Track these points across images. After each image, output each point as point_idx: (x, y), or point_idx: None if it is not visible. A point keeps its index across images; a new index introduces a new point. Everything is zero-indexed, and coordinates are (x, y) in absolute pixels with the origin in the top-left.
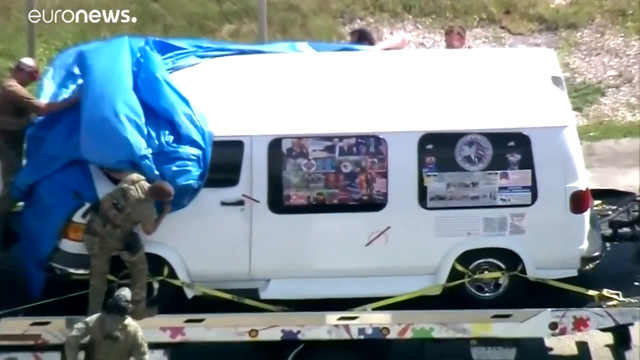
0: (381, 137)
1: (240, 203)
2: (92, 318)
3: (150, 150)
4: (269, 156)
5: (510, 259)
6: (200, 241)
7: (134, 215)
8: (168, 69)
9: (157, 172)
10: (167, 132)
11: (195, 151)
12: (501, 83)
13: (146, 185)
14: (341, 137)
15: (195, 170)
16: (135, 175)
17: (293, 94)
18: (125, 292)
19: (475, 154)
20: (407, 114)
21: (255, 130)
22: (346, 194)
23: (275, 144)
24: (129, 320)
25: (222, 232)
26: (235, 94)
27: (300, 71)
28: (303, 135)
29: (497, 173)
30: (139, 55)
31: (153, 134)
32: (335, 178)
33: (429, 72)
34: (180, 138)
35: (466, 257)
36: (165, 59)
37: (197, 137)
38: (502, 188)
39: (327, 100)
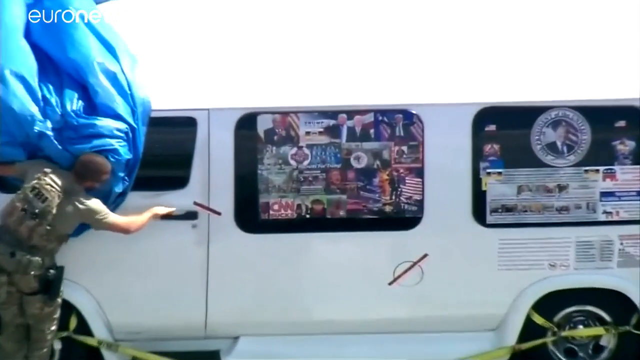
0: (414, 112)
1: (191, 216)
2: None
3: (49, 124)
4: (238, 142)
5: (620, 306)
6: (128, 278)
7: (61, 224)
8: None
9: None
10: (75, 96)
11: (122, 126)
12: (603, 31)
13: (65, 172)
14: (352, 113)
15: (123, 151)
16: (44, 164)
17: (277, 45)
18: None
19: (563, 139)
20: (456, 77)
21: (216, 100)
22: (359, 203)
23: (246, 123)
24: None
25: (162, 263)
26: (186, 43)
27: (291, 9)
28: (292, 109)
29: (597, 170)
30: None
31: (53, 99)
32: (341, 177)
33: (491, 13)
34: (97, 108)
35: (549, 304)
36: None
37: (122, 108)
38: (606, 194)
39: (330, 56)
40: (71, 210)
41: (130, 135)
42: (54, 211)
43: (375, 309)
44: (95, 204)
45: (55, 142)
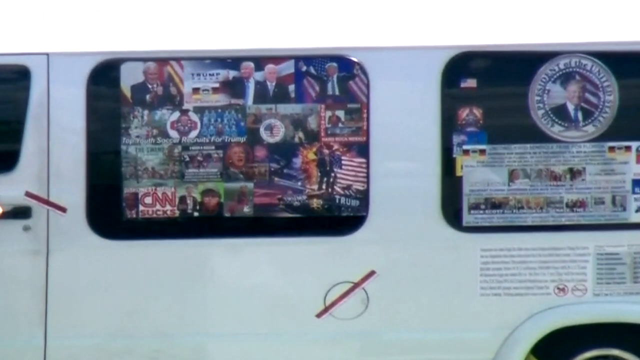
0: (356, 60)
1: (21, 214)
2: None
3: None
4: (91, 103)
5: None
6: None
7: None
8: None
9: None
10: None
11: None
12: None
13: None
14: (262, 60)
15: None
16: None
17: None
18: None
19: (578, 101)
20: (418, 9)
21: (60, 41)
22: (272, 195)
23: (105, 75)
24: None
25: None
26: None
27: None
28: (172, 55)
29: (629, 147)
30: None
31: None
32: (246, 156)
33: None
34: None
35: (556, 346)
36: None
37: None
38: None
39: None
40: None
41: None
42: None
43: (297, 353)
44: None
45: None
